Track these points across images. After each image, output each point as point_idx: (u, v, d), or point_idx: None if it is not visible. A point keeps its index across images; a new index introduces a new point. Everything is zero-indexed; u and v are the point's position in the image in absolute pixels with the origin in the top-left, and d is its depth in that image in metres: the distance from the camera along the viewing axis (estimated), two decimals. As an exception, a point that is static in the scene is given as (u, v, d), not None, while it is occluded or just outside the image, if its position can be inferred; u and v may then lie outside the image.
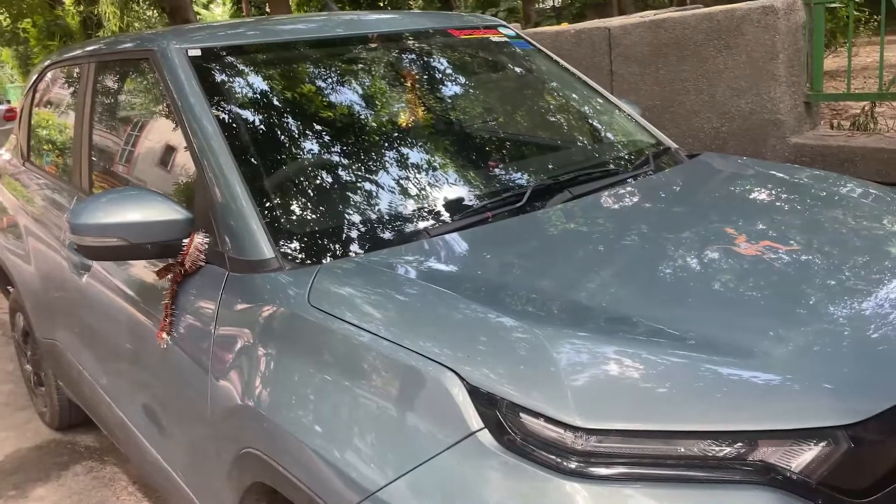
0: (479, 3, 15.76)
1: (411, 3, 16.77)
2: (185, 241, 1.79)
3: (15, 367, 4.05)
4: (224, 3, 24.02)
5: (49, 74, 3.12)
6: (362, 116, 2.13)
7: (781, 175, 2.17)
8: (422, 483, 1.20)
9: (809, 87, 4.03)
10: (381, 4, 16.42)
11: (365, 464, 1.28)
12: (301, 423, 1.41)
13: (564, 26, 5.20)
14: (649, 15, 4.81)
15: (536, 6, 15.05)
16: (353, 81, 2.21)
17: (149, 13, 14.10)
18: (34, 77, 3.26)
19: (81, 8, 13.53)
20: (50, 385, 3.30)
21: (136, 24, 12.77)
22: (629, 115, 2.60)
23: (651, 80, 4.45)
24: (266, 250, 1.67)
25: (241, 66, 2.10)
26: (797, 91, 3.99)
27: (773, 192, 2.03)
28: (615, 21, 4.82)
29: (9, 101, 19.65)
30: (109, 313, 2.24)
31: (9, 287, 3.58)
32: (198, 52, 2.06)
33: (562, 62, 2.73)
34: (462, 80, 2.51)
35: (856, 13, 6.27)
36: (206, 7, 29.53)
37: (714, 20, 4.08)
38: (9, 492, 3.03)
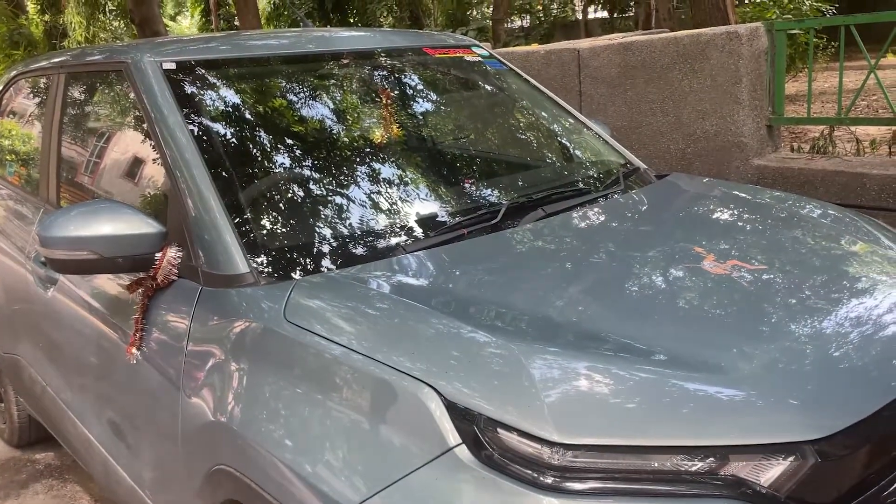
0: (449, 22, 15.89)
1: (381, 20, 16.85)
2: (158, 254, 1.77)
3: (-28, 383, 3.94)
4: (192, 16, 23.85)
5: (15, 85, 3.07)
6: (339, 133, 2.14)
7: (747, 196, 2.23)
8: (398, 499, 1.20)
9: (771, 111, 4.15)
10: (352, 21, 16.47)
11: (341, 480, 1.28)
12: (275, 439, 1.40)
13: (535, 47, 5.29)
14: (618, 38, 4.91)
15: (506, 26, 15.22)
16: (328, 98, 2.22)
17: (115, 24, 13.95)
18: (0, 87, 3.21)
19: (47, 17, 13.31)
20: (10, 401, 3.22)
21: (103, 35, 12.60)
22: (599, 136, 2.65)
23: (619, 101, 4.54)
24: (241, 265, 1.67)
25: (216, 81, 2.10)
26: (759, 114, 4.10)
27: (740, 212, 2.08)
28: (584, 43, 4.91)
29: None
30: (77, 328, 2.20)
31: (-32, 300, 3.49)
32: (172, 66, 2.05)
33: (534, 82, 2.78)
34: (437, 98, 2.54)
35: (815, 40, 6.48)
36: (173, 19, 29.29)
37: (680, 44, 4.18)
38: (-35, 511, 2.94)
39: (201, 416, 1.61)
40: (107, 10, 12.99)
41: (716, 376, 1.23)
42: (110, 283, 2.03)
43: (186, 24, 29.49)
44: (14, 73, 3.10)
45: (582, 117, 2.72)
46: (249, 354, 1.54)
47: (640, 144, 4.48)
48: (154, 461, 1.88)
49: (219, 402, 1.56)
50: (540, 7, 21.18)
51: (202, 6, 18.69)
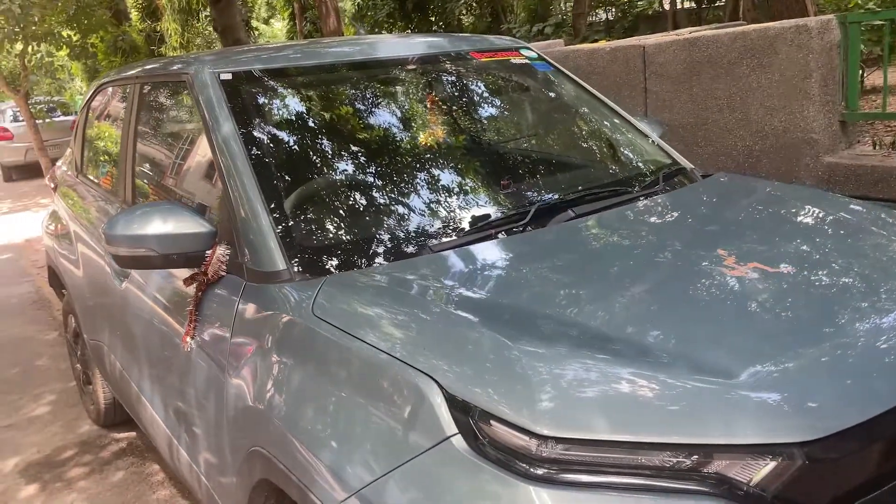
0: (529, 17, 15.81)
1: (462, 17, 16.97)
2: (209, 252, 1.93)
3: (68, 366, 4.30)
4: (284, 19, 24.65)
5: (101, 93, 3.35)
6: (375, 139, 2.24)
7: (788, 196, 2.19)
8: (401, 482, 1.30)
9: (844, 106, 3.99)
10: (433, 19, 16.67)
11: (353, 463, 1.38)
12: (299, 425, 1.52)
13: (602, 44, 5.26)
14: (684, 33, 4.83)
15: (588, 20, 14.98)
16: (369, 105, 2.33)
17: (208, 30, 14.63)
18: (89, 95, 3.50)
19: (146, 25, 14.13)
20: (97, 384, 3.51)
21: (198, 41, 13.24)
22: (646, 136, 2.65)
23: (685, 98, 4.47)
24: (279, 262, 1.80)
25: (268, 90, 2.24)
26: (832, 110, 3.96)
27: (774, 212, 2.06)
28: (650, 39, 4.85)
29: (76, 114, 20.52)
30: (144, 318, 2.41)
31: (63, 290, 3.82)
32: (229, 76, 2.21)
33: (582, 83, 2.80)
34: (479, 100, 2.60)
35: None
36: (266, 22, 30.24)
37: (748, 39, 4.08)
38: (55, 483, 3.23)
39: (242, 401, 1.75)
40: (201, 16, 13.66)
41: (709, 376, 1.26)
42: (171, 278, 2.21)
43: (279, 27, 30.37)
44: (100, 82, 3.37)
45: (630, 117, 2.73)
46: (281, 345, 1.67)
47: (707, 142, 4.40)
48: (206, 442, 2.05)
49: (255, 389, 1.70)
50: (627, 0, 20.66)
51: (290, 10, 19.35)
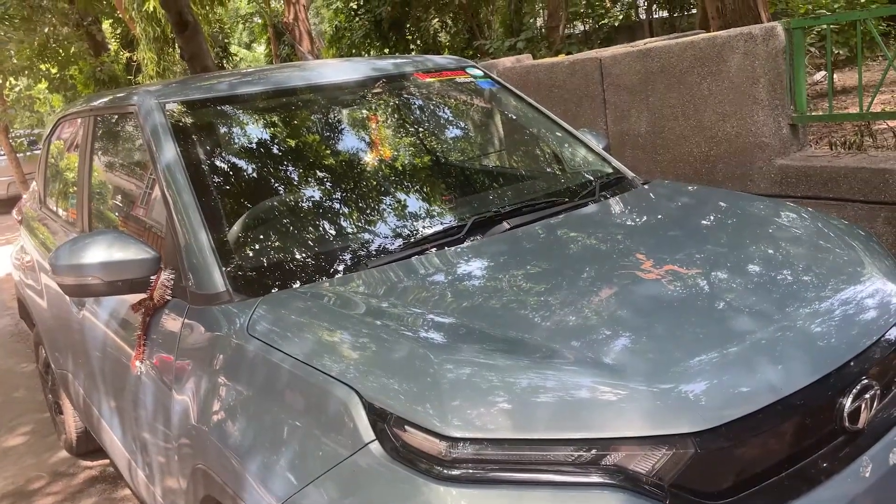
0: (506, 33, 15.99)
1: (440, 37, 17.11)
2: (153, 277, 1.99)
3: (44, 397, 4.33)
4: (261, 43, 24.82)
5: (60, 127, 3.41)
6: (315, 163, 2.31)
7: (718, 202, 2.27)
8: (325, 489, 1.36)
9: (793, 110, 4.09)
10: (410, 38, 16.82)
11: (281, 474, 1.44)
12: (233, 439, 1.58)
13: (560, 58, 5.37)
14: (639, 44, 4.94)
15: (564, 32, 15.10)
16: (310, 130, 2.40)
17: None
18: (49, 129, 3.56)
19: (122, 54, 14.18)
20: (67, 413, 3.54)
21: (176, 69, 13.29)
22: (589, 147, 2.73)
23: (641, 107, 4.57)
24: (219, 284, 1.86)
25: (210, 118, 2.31)
26: (781, 113, 4.05)
27: (700, 218, 2.14)
28: (607, 52, 4.96)
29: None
30: (100, 344, 2.46)
31: (33, 322, 3.87)
32: (174, 106, 2.28)
33: (527, 99, 2.88)
34: (423, 120, 2.68)
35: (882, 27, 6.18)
36: (248, 47, 30.40)
37: (697, 48, 4.19)
38: (27, 513, 3.26)
39: (186, 420, 1.80)
40: (176, 45, 13.71)
41: (606, 374, 1.33)
42: (123, 304, 2.26)
43: (261, 51, 30.49)
44: (60, 116, 3.44)
45: (573, 130, 2.81)
46: (219, 364, 1.73)
47: (665, 149, 4.50)
48: (158, 462, 2.10)
49: (197, 407, 1.76)
50: (603, 11, 20.87)
51: (267, 35, 19.52)
